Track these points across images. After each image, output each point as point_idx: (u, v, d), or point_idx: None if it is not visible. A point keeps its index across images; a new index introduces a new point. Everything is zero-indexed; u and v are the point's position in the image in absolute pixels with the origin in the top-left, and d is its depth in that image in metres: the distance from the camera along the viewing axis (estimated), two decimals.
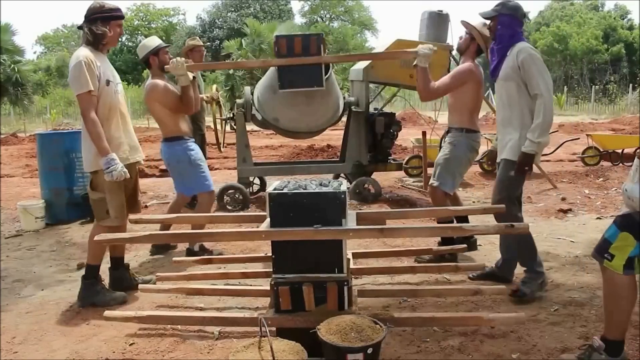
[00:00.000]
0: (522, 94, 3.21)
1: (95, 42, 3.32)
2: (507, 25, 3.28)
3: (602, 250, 2.26)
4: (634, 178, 2.17)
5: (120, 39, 3.60)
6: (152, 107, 4.09)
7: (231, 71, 18.68)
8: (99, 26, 3.29)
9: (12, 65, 16.61)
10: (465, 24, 4.00)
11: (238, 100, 6.15)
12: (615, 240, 2.22)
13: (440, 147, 4.16)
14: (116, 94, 3.39)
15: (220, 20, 34.98)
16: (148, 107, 4.24)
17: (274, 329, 2.51)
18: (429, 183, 4.14)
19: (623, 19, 34.23)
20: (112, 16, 3.34)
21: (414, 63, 3.70)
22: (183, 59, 3.89)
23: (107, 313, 2.86)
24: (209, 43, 28.83)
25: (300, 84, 4.44)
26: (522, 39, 3.29)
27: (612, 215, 3.66)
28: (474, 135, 4.03)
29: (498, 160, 3.40)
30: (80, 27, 3.39)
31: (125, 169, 3.25)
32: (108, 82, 3.31)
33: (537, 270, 3.31)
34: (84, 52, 3.26)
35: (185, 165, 4.12)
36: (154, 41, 4.12)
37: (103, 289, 3.44)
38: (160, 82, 4.01)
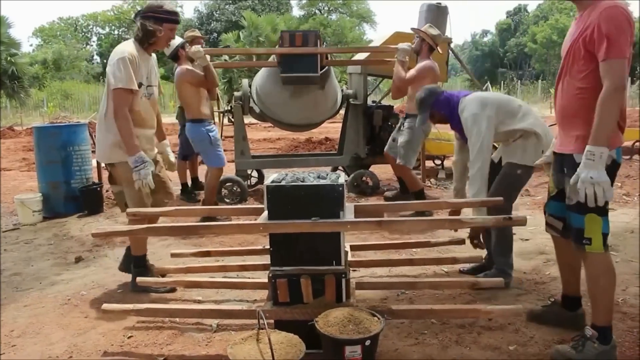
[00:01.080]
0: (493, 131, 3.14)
1: (143, 39, 3.26)
2: (441, 105, 3.33)
3: (579, 239, 2.34)
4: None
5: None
6: (184, 88, 5.04)
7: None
8: (152, 23, 3.22)
9: (9, 58, 16.55)
10: (414, 30, 5.19)
11: (236, 93, 6.13)
12: (584, 224, 2.30)
13: (400, 129, 5.19)
14: (143, 98, 3.31)
15: (217, 12, 34.85)
16: (179, 89, 5.14)
17: (272, 321, 2.51)
18: (397, 162, 5.13)
19: None
20: (167, 18, 3.28)
21: (394, 57, 4.91)
22: (199, 46, 5.05)
23: (105, 306, 2.86)
24: (207, 36, 28.71)
25: (298, 70, 5.29)
26: (460, 96, 3.27)
27: (611, 208, 3.68)
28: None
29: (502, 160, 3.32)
30: (134, 20, 3.35)
31: (150, 169, 3.19)
32: (139, 85, 3.24)
33: (506, 271, 3.30)
34: (130, 49, 3.20)
35: (207, 144, 5.07)
36: (177, 39, 5.02)
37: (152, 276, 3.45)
38: (187, 66, 5.06)
